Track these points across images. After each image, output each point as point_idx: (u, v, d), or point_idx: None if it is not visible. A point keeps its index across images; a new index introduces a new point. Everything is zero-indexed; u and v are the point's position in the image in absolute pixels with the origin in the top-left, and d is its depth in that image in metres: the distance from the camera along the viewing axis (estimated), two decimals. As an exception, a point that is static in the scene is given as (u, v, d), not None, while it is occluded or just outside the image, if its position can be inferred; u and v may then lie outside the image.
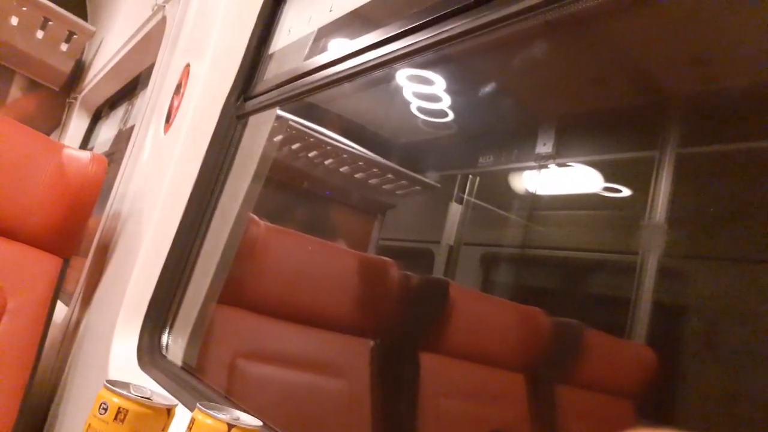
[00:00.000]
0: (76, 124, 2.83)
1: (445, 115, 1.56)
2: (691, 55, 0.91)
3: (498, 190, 1.43)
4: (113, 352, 1.00)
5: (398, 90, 1.54)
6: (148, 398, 0.53)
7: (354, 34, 0.89)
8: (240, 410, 0.56)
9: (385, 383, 1.28)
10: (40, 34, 2.58)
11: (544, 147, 1.26)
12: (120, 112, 2.51)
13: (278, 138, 1.52)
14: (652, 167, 0.99)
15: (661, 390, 0.87)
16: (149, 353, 1.03)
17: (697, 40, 0.88)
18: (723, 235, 0.82)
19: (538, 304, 1.25)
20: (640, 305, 0.92)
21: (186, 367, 1.05)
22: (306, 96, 1.01)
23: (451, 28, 0.70)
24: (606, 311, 1.05)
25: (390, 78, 1.49)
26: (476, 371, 1.28)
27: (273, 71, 1.15)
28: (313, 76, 0.96)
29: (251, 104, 1.12)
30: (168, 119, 1.20)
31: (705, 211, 0.86)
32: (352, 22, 0.97)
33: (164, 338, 1.07)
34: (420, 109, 1.57)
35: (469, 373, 1.29)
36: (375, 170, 1.65)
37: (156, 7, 1.68)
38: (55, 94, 2.94)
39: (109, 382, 0.53)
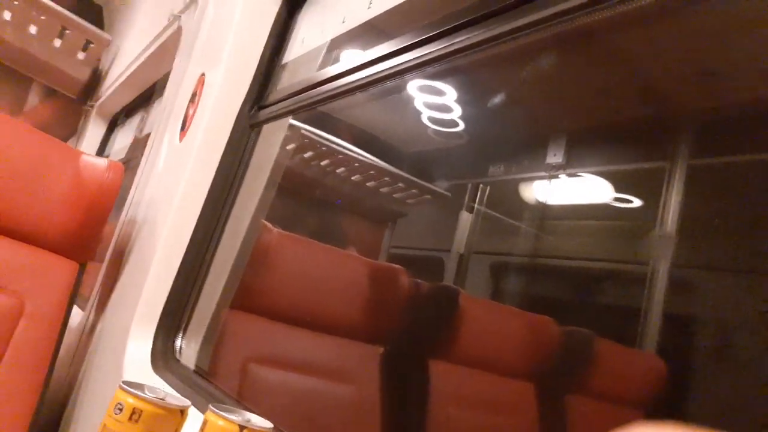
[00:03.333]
0: (93, 131, 2.87)
1: (456, 125, 1.57)
2: (703, 67, 0.91)
3: (508, 200, 1.44)
4: (128, 356, 1.02)
5: (410, 100, 1.55)
6: (162, 399, 0.54)
7: (366, 45, 0.90)
8: (251, 413, 0.57)
9: (394, 391, 1.29)
10: (57, 42, 2.63)
11: (554, 157, 1.26)
12: (136, 120, 2.54)
13: (291, 147, 1.54)
14: (663, 178, 1.00)
15: (671, 400, 0.87)
16: (163, 357, 1.04)
17: (708, 52, 0.88)
18: (734, 246, 0.82)
19: (549, 313, 1.25)
20: (650, 315, 0.92)
21: (199, 371, 1.06)
22: (319, 105, 1.03)
23: (463, 40, 0.71)
24: (616, 321, 1.05)
25: (402, 88, 1.50)
26: (486, 380, 1.28)
27: (286, 81, 1.17)
28: (325, 86, 0.98)
29: (265, 113, 1.14)
30: (183, 127, 1.22)
31: (716, 222, 0.87)
32: (365, 33, 0.98)
33: (178, 342, 1.08)
34: (431, 119, 1.59)
35: (478, 382, 1.29)
36: (386, 179, 1.67)
37: (172, 17, 1.70)
38: (72, 101, 2.99)
39: (124, 382, 0.54)
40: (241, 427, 0.51)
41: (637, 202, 1.09)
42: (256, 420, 0.54)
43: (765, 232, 0.78)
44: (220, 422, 0.52)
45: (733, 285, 0.81)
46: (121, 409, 0.52)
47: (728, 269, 0.84)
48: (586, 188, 1.22)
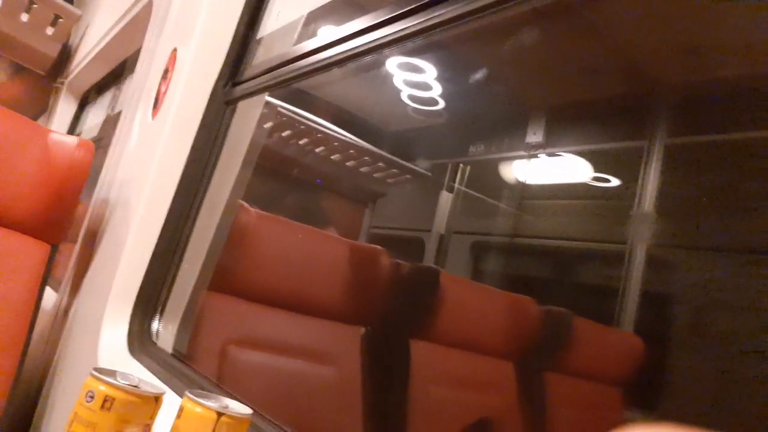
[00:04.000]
0: (63, 109, 2.79)
1: (436, 103, 1.56)
2: (681, 45, 0.91)
3: (488, 180, 1.43)
4: (103, 339, 1.00)
5: (389, 78, 1.53)
6: (135, 386, 0.52)
7: (344, 19, 0.88)
8: (230, 398, 0.56)
9: (375, 370, 1.29)
10: (25, 17, 2.54)
11: (534, 136, 1.25)
12: (108, 97, 2.48)
13: (268, 125, 1.51)
14: (641, 157, 0.99)
15: (648, 377, 0.87)
16: (139, 340, 1.02)
17: (686, 30, 0.87)
18: (710, 225, 0.82)
19: (528, 292, 1.26)
20: (628, 294, 0.93)
21: (176, 354, 1.05)
22: (295, 81, 1.00)
23: (443, 13, 0.69)
24: (595, 300, 1.06)
25: (381, 65, 1.48)
26: (466, 359, 1.29)
27: (262, 56, 1.13)
28: (302, 61, 0.95)
29: (240, 90, 1.11)
30: (155, 105, 1.19)
31: (693, 201, 0.87)
32: (342, 7, 0.96)
33: (154, 325, 1.06)
34: (411, 97, 1.57)
35: (458, 361, 1.30)
36: (366, 158, 1.65)
37: (143, -9, 1.65)
38: (42, 78, 2.89)
39: (96, 369, 0.52)
40: (219, 414, 0.50)
41: (615, 181, 1.09)
42: (235, 406, 0.53)
43: (743, 211, 0.78)
44: (198, 409, 0.50)
45: (710, 264, 0.82)
46: (92, 397, 0.50)
47: (705, 248, 0.85)
48: (565, 167, 1.22)
